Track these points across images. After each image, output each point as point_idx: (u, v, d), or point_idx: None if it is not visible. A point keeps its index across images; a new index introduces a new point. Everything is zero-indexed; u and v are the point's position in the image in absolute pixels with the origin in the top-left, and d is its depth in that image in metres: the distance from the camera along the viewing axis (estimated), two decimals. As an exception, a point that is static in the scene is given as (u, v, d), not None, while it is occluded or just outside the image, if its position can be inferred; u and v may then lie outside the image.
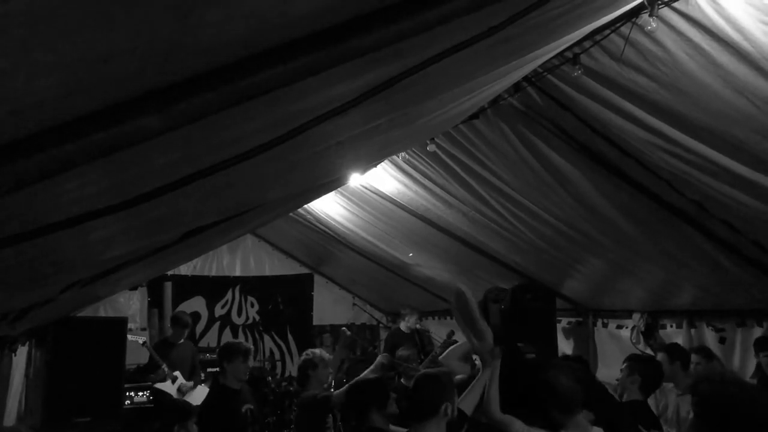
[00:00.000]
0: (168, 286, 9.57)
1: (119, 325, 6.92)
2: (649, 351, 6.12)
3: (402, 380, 5.93)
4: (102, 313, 8.82)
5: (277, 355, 10.63)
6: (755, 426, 2.21)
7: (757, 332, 5.15)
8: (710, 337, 5.59)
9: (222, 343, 9.97)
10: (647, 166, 4.00)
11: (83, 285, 3.59)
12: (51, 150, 0.99)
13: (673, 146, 3.62)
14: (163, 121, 1.03)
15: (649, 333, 6.02)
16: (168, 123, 1.04)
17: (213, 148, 1.47)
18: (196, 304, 10.21)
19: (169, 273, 9.56)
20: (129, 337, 7.35)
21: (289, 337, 10.83)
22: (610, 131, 3.88)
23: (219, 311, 10.42)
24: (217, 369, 8.35)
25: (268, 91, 1.19)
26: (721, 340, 5.48)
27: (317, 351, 5.11)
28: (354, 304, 11.47)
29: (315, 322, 11.07)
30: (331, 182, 4.50)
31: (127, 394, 7.65)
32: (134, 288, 9.08)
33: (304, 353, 5.18)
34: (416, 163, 5.48)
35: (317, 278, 11.20)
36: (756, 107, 3.02)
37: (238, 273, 10.65)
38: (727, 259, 4.60)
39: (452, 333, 8.53)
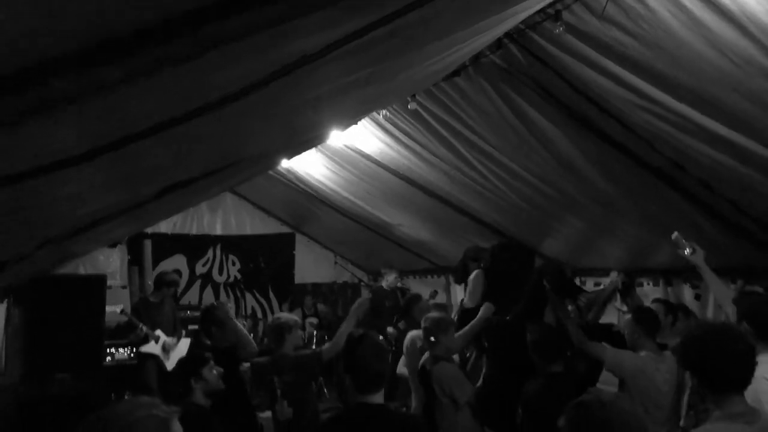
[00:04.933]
0: (147, 244, 9.53)
1: (98, 283, 6.91)
2: (625, 309, 6.21)
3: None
4: (81, 271, 8.77)
5: (259, 314, 10.69)
6: (730, 356, 2.31)
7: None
8: (687, 294, 5.69)
9: (203, 303, 10.04)
10: (627, 126, 4.00)
11: (59, 241, 3.55)
12: (9, 98, 0.96)
13: (653, 105, 3.61)
14: (126, 72, 1.00)
15: (626, 291, 6.10)
16: (131, 73, 1.01)
17: (183, 98, 1.44)
18: (177, 262, 10.17)
19: (149, 231, 9.51)
20: (106, 308, 7.30)
21: (271, 295, 10.88)
22: (591, 90, 3.86)
23: (200, 269, 10.41)
24: (197, 327, 8.44)
25: (239, 38, 1.16)
26: (696, 297, 5.59)
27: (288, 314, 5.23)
28: (336, 263, 11.53)
29: (297, 280, 11.12)
30: (310, 139, 4.47)
31: (108, 351, 7.67)
32: (113, 245, 9.03)
33: (275, 317, 5.21)
34: (397, 121, 5.44)
35: (299, 237, 11.20)
36: (737, 66, 3.01)
37: (218, 231, 10.61)
38: (704, 218, 4.65)
39: (435, 293, 8.63)
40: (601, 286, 6.47)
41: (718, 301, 4.18)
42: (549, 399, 3.83)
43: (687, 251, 3.95)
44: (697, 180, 4.21)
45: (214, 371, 3.88)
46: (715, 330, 2.56)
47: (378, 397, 2.77)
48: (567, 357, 4.37)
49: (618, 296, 6.25)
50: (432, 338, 4.62)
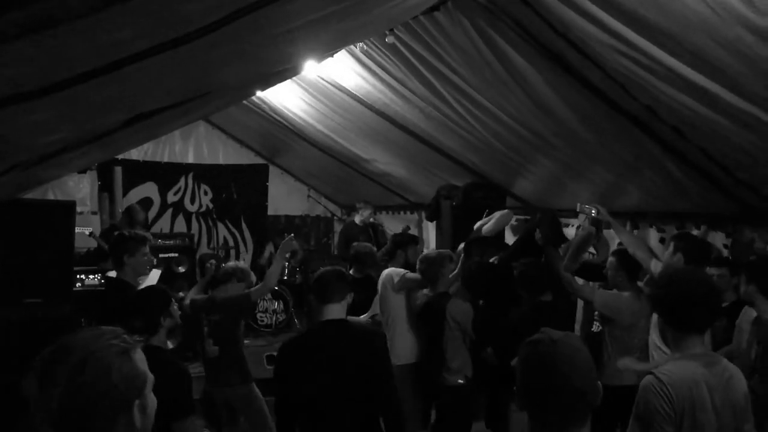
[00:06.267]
0: (118, 171, 9.41)
1: (67, 209, 6.82)
2: (592, 250, 6.34)
3: (352, 272, 6.06)
4: (50, 196, 8.67)
5: (231, 243, 10.72)
6: (698, 298, 2.43)
7: (694, 235, 5.37)
8: (652, 237, 5.82)
9: (173, 231, 10.04)
10: (604, 69, 3.98)
11: (25, 168, 3.49)
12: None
13: (631, 50, 3.58)
14: (84, 2, 0.96)
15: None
16: (91, 3, 0.97)
17: (149, 32, 1.40)
18: (148, 189, 10.11)
19: (120, 157, 9.38)
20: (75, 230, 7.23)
21: (243, 226, 10.89)
22: (570, 32, 3.81)
23: (171, 198, 10.35)
24: (171, 255, 8.44)
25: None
26: (661, 240, 5.72)
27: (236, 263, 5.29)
28: (309, 196, 11.52)
29: (269, 212, 11.13)
30: (285, 71, 4.38)
31: (78, 276, 7.65)
32: (83, 171, 8.90)
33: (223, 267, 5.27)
34: (375, 55, 5.34)
35: (272, 169, 11.14)
36: (715, 14, 2.98)
37: (190, 160, 10.51)
38: (674, 164, 4.71)
39: (408, 228, 8.72)
40: (570, 227, 6.58)
41: (628, 248, 4.47)
42: (536, 324, 4.06)
43: (593, 213, 4.37)
44: (670, 126, 4.24)
45: (176, 307, 3.71)
46: (686, 273, 2.68)
47: (338, 309, 3.19)
48: (556, 288, 4.56)
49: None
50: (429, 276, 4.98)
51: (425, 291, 5.13)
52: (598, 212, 4.57)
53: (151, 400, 1.56)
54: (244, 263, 5.23)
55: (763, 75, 3.17)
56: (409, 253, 5.65)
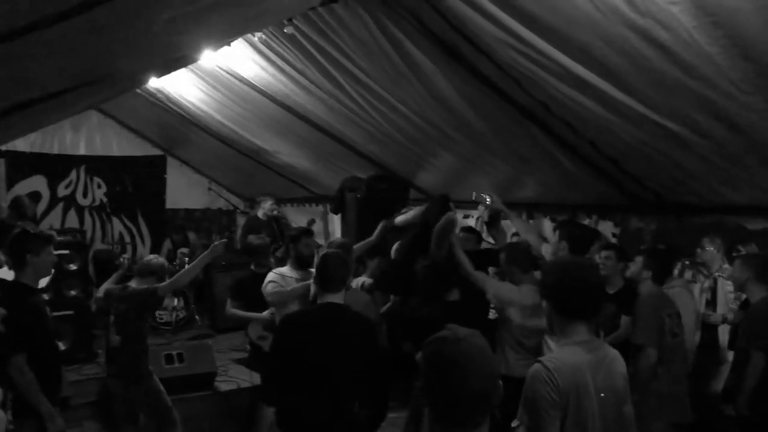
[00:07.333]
0: (1, 163, 8.83)
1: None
2: (491, 240, 6.50)
3: (253, 267, 5.95)
4: (-77, 191, 8.02)
5: (127, 238, 10.30)
6: (584, 286, 2.52)
7: (585, 225, 5.61)
8: (548, 227, 6.02)
9: (64, 226, 9.53)
10: (499, 65, 4.06)
11: None
12: None
13: (524, 46, 3.66)
14: None
15: (492, 223, 6.35)
16: None
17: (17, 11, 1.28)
18: (36, 183, 9.55)
19: (3, 148, 8.79)
20: None
21: (140, 219, 10.47)
22: (466, 27, 3.85)
23: (62, 191, 9.81)
24: (62, 252, 7.96)
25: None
26: (555, 229, 5.95)
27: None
28: (210, 189, 11.20)
29: (168, 205, 10.76)
30: (177, 59, 4.21)
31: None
32: (-40, 164, 8.29)
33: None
34: (274, 45, 5.23)
35: (170, 161, 10.76)
36: (601, 13, 3.09)
37: (82, 152, 9.99)
38: (566, 158, 4.88)
39: (313, 221, 8.65)
40: (470, 218, 6.72)
41: (520, 233, 4.65)
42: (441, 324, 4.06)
43: (488, 201, 4.52)
44: (561, 120, 4.38)
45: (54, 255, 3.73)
46: (573, 262, 2.77)
47: (338, 297, 3.43)
48: (464, 286, 4.56)
49: (485, 228, 6.52)
50: None
51: None
52: (492, 200, 4.71)
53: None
54: (157, 262, 5.05)
55: (645, 72, 3.32)
56: (300, 245, 5.54)
